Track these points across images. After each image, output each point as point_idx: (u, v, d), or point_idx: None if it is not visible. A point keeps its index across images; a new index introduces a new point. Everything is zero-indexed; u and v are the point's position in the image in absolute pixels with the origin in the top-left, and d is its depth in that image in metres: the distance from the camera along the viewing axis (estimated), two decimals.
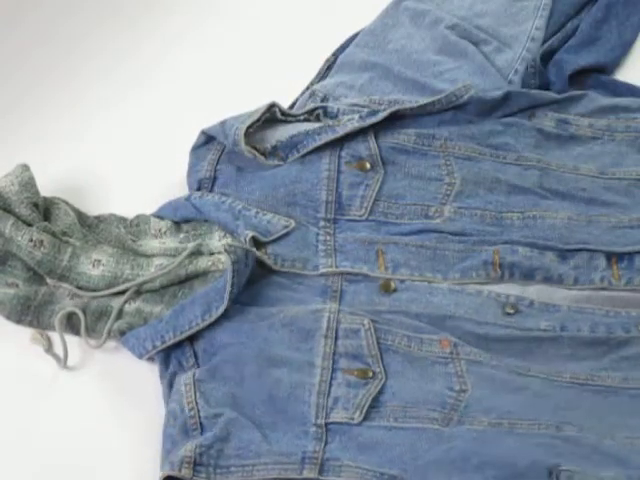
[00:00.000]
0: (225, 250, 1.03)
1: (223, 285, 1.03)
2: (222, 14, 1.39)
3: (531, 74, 1.23)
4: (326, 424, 0.97)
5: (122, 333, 1.06)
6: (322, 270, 1.08)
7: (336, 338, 1.02)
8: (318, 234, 1.11)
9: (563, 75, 1.23)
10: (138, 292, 1.10)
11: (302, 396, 0.99)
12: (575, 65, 1.24)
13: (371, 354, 1.01)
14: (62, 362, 1.07)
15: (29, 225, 1.09)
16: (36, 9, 1.39)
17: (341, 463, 0.96)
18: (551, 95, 1.20)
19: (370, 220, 1.11)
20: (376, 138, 1.15)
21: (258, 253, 1.06)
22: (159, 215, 1.15)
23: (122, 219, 1.15)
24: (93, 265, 1.10)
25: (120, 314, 1.08)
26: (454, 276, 1.08)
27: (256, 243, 1.08)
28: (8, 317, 1.10)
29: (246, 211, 1.11)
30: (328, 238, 1.10)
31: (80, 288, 1.10)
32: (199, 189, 1.16)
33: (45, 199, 1.13)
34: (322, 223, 1.11)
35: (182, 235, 1.13)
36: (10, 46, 1.35)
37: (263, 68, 1.32)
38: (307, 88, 1.25)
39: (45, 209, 1.13)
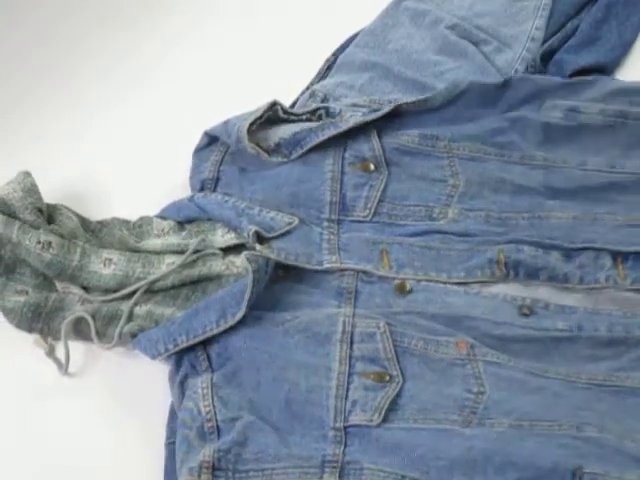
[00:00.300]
0: (247, 259, 1.02)
1: (240, 291, 1.02)
2: (222, 14, 1.39)
3: (531, 74, 1.23)
4: (345, 427, 0.97)
5: (133, 335, 1.06)
6: (327, 265, 1.07)
7: (352, 342, 1.01)
8: (322, 233, 1.10)
9: (563, 75, 1.23)
10: (150, 292, 1.09)
11: (319, 400, 0.98)
12: (575, 65, 1.24)
13: (387, 357, 1.01)
14: (63, 368, 1.07)
15: (38, 229, 1.09)
16: (36, 9, 1.38)
17: (362, 466, 0.95)
18: (557, 80, 1.19)
19: (374, 221, 1.11)
20: (379, 139, 1.14)
21: (259, 246, 1.06)
22: (162, 216, 1.15)
23: (124, 222, 1.15)
24: (104, 264, 1.09)
25: (131, 317, 1.08)
26: (458, 275, 1.08)
27: (259, 239, 1.07)
28: (18, 326, 1.09)
29: (249, 209, 1.10)
30: (332, 237, 1.10)
31: (90, 288, 1.10)
32: (202, 190, 1.15)
33: (48, 205, 1.13)
34: (326, 223, 1.11)
35: (184, 233, 1.13)
36: (10, 46, 1.35)
37: (263, 68, 1.32)
38: (307, 88, 1.25)
39: (49, 215, 1.12)
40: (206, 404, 0.99)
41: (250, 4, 1.40)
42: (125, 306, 1.08)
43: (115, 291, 1.09)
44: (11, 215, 1.08)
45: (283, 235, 1.09)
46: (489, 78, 1.20)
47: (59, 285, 1.11)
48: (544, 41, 1.26)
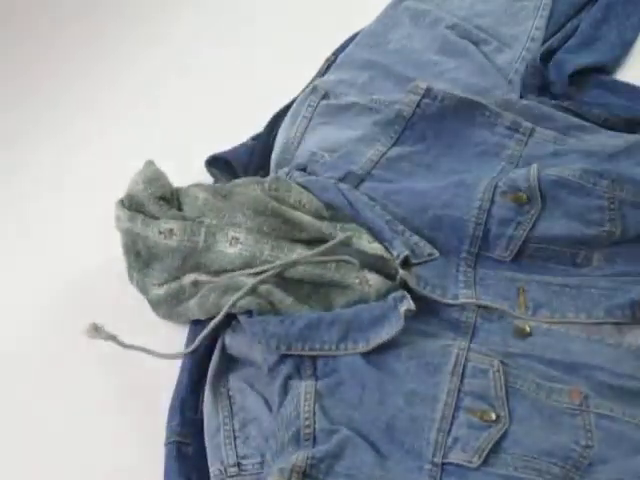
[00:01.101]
0: (405, 315, 0.98)
1: (370, 322, 0.99)
2: (223, 13, 1.39)
3: (531, 74, 1.23)
4: (442, 463, 0.92)
5: (246, 312, 1.02)
6: (462, 300, 1.03)
7: (463, 376, 0.97)
8: (459, 265, 1.06)
9: (563, 75, 1.23)
10: (279, 277, 1.05)
11: (421, 431, 0.94)
12: (575, 65, 1.23)
13: (497, 396, 0.96)
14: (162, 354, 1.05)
15: (158, 219, 1.06)
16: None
17: None
18: None
19: (514, 262, 1.06)
20: (538, 169, 1.07)
21: (402, 271, 1.03)
22: (304, 185, 1.10)
23: (258, 181, 1.10)
24: (230, 243, 1.05)
25: (252, 292, 1.03)
26: (598, 315, 1.01)
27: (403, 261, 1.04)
28: (165, 315, 1.09)
29: (394, 225, 1.07)
30: (469, 270, 1.06)
31: (216, 271, 1.06)
32: (342, 180, 1.12)
33: (174, 190, 1.09)
34: (464, 255, 1.06)
35: (325, 222, 1.08)
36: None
37: (263, 68, 1.32)
38: (307, 87, 1.25)
39: (178, 199, 1.09)
40: (307, 410, 0.96)
41: (250, 4, 1.40)
42: (250, 280, 1.03)
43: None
44: (138, 208, 1.07)
45: (423, 263, 1.05)
46: (489, 79, 1.20)
47: (185, 275, 1.08)
48: (544, 41, 1.27)
